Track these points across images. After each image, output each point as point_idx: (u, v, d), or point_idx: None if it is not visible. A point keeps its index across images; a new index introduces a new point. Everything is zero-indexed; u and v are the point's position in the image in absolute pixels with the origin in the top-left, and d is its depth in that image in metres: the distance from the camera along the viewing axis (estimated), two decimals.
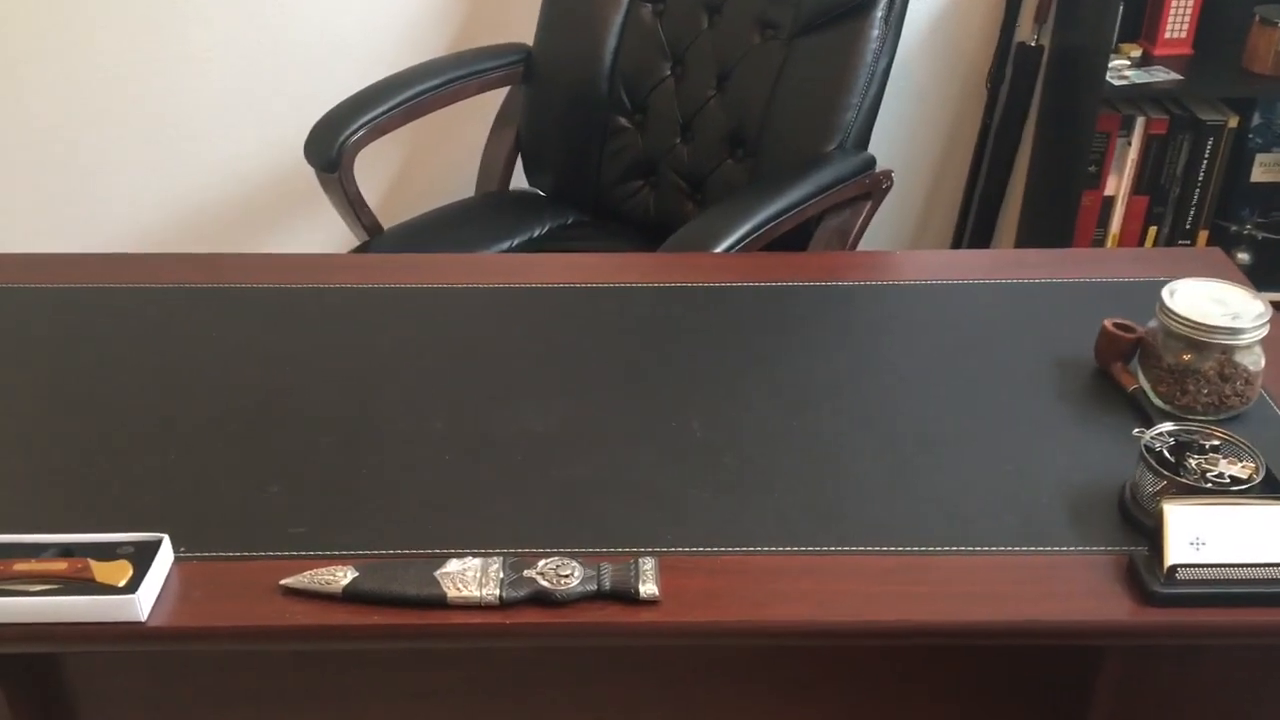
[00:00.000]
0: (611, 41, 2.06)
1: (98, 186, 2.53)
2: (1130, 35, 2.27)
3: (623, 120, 2.09)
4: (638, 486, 1.12)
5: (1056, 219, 2.32)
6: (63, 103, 2.43)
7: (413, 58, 2.17)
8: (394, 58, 2.31)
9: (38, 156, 2.50)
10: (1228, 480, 1.03)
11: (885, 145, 2.37)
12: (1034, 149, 2.42)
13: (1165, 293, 1.21)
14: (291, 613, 0.98)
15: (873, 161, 1.84)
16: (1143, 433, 1.08)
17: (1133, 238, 2.34)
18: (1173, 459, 1.05)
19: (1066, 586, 1.00)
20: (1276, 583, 0.97)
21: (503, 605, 0.98)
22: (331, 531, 1.07)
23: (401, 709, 1.15)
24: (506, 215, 2.12)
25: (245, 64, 2.40)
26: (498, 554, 1.02)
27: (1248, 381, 1.18)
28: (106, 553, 1.00)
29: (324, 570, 1.00)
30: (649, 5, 2.05)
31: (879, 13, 1.83)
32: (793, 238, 1.81)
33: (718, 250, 1.59)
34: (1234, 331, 1.16)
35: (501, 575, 0.99)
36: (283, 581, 1.00)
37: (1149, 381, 1.22)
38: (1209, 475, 1.04)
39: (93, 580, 0.98)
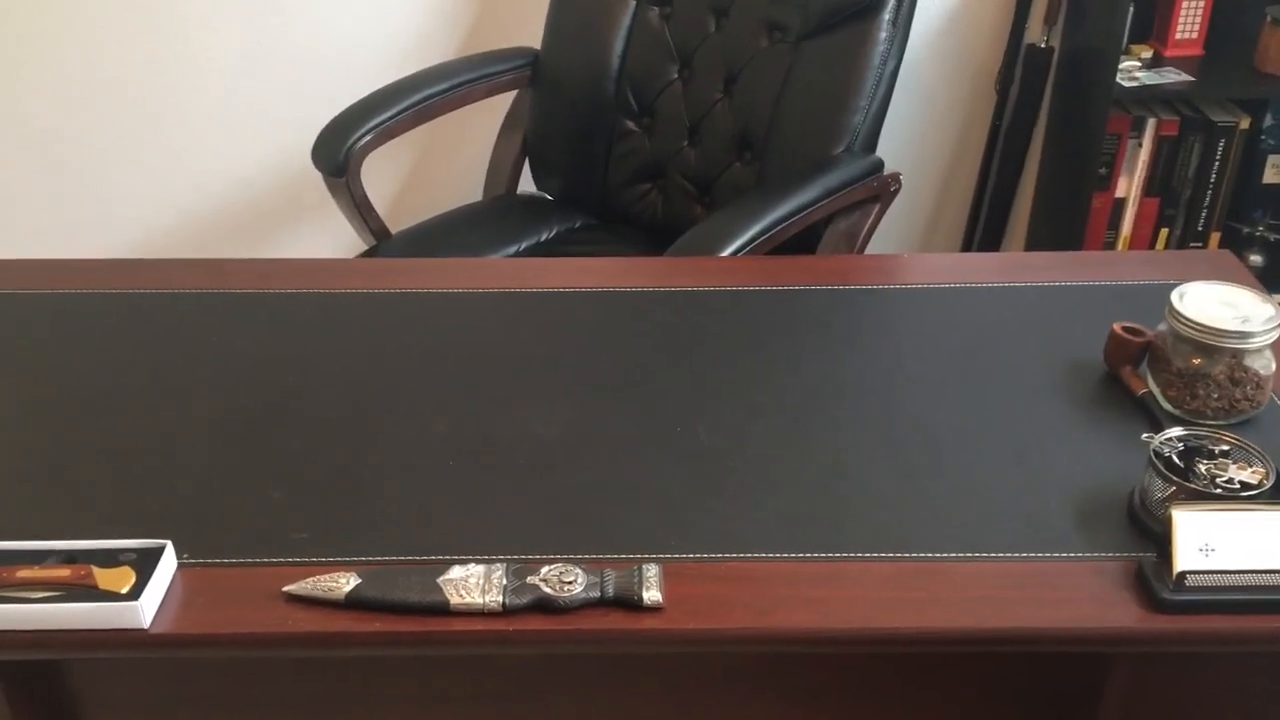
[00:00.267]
0: (619, 45, 2.06)
1: (105, 191, 2.54)
2: (1141, 36, 2.26)
3: (630, 123, 2.08)
4: (642, 492, 1.11)
5: (1067, 221, 2.31)
6: (69, 107, 2.44)
7: (420, 62, 2.17)
8: (402, 62, 2.31)
9: (45, 162, 2.50)
10: (1237, 486, 1.02)
11: (895, 148, 2.36)
12: (1044, 151, 2.41)
13: (1174, 296, 1.20)
14: (294, 620, 0.98)
15: (881, 164, 1.83)
16: (1151, 438, 1.07)
17: (1144, 240, 2.32)
18: (1182, 464, 1.04)
19: (1074, 593, 0.99)
20: None
21: (505, 612, 0.97)
22: (335, 537, 1.06)
23: (405, 715, 1.15)
24: (514, 219, 2.12)
25: (253, 69, 2.40)
26: (501, 560, 1.01)
27: (1258, 386, 1.17)
28: (109, 560, 1.00)
29: (326, 577, 1.00)
30: (656, 8, 2.04)
31: (886, 15, 1.83)
32: (801, 240, 1.80)
33: (725, 254, 1.58)
34: (1244, 335, 1.15)
35: (504, 582, 0.98)
36: (285, 588, 0.99)
37: (1158, 386, 1.21)
38: (1218, 480, 1.03)
39: (95, 587, 0.98)
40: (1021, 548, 1.04)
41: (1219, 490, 1.02)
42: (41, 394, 1.27)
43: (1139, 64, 2.20)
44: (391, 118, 1.97)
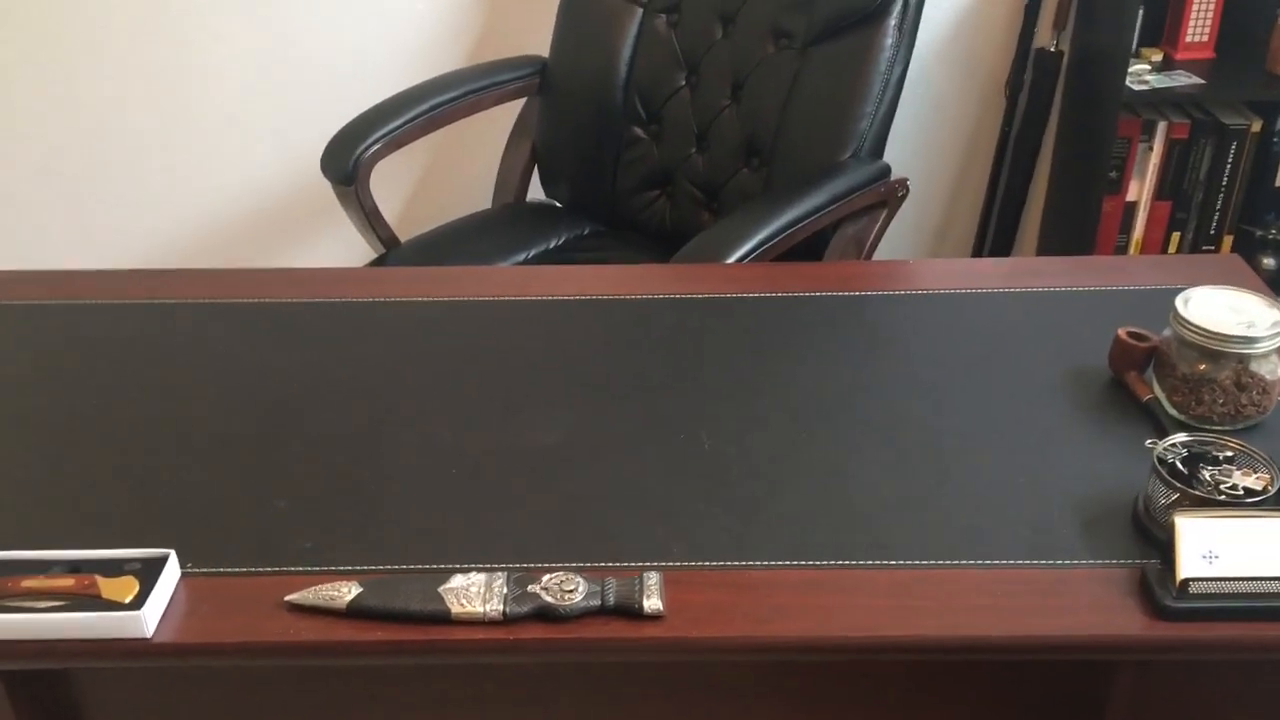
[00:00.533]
0: (626, 52, 2.06)
1: (115, 202, 2.55)
2: (1151, 39, 2.25)
3: (638, 131, 2.09)
4: (645, 500, 1.11)
5: (1078, 226, 2.30)
6: (79, 118, 2.46)
7: (429, 70, 2.18)
8: (411, 71, 2.32)
9: (55, 172, 2.52)
10: (1242, 492, 1.01)
11: (904, 153, 2.37)
12: (1054, 155, 2.40)
13: (1179, 301, 1.19)
14: (296, 628, 0.98)
15: (888, 170, 1.83)
16: (1155, 443, 1.06)
17: (1156, 244, 2.31)
18: (1186, 470, 1.04)
19: (1076, 600, 0.98)
20: None
21: (506, 621, 0.97)
22: (338, 546, 1.07)
23: None
24: (523, 226, 2.13)
25: (263, 79, 2.42)
26: (502, 569, 1.01)
27: (1264, 391, 1.17)
28: (113, 569, 1.01)
29: (329, 586, 1.00)
30: (663, 16, 2.05)
31: (892, 20, 1.82)
32: (808, 247, 1.80)
33: (730, 260, 1.58)
34: (1249, 340, 1.14)
35: (505, 590, 0.99)
36: (288, 597, 0.99)
37: (1164, 391, 1.20)
38: (1222, 487, 1.02)
39: (99, 596, 0.98)
40: (1025, 555, 1.04)
41: (1223, 497, 1.01)
42: (47, 404, 1.27)
43: (1149, 67, 2.20)
44: (400, 127, 1.98)
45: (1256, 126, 2.19)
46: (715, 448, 1.18)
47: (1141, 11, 2.16)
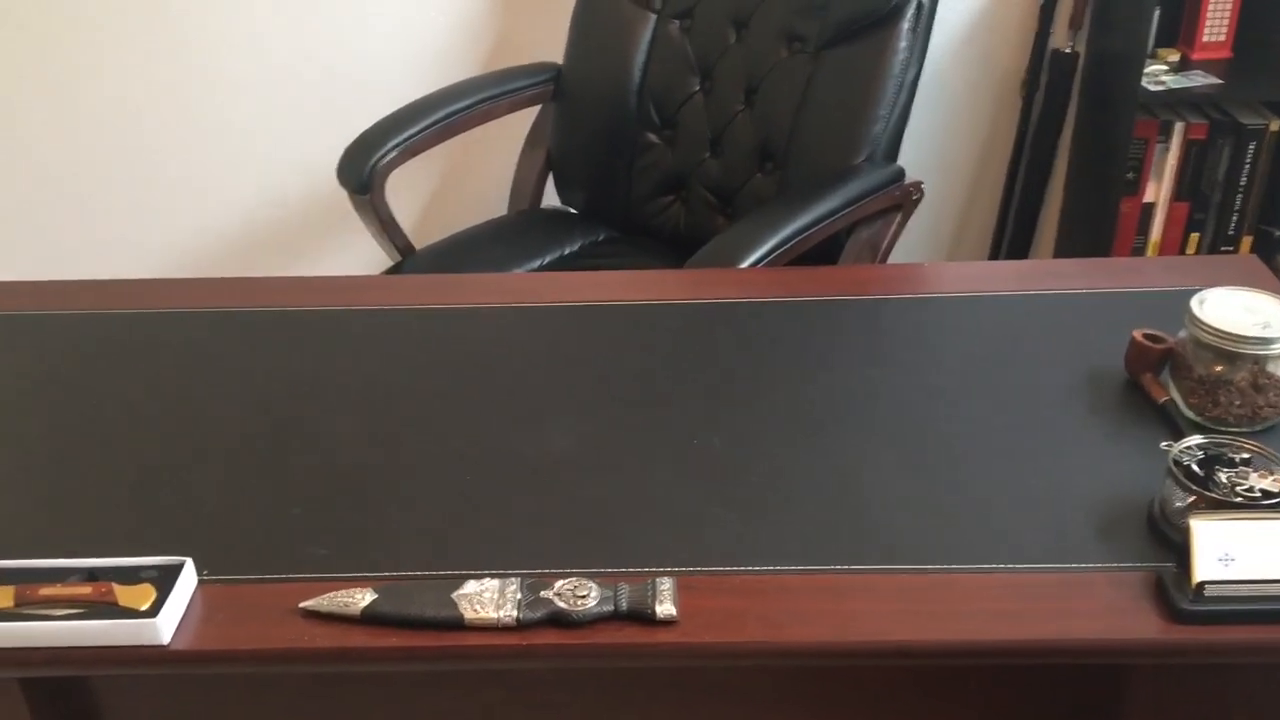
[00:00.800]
0: (640, 58, 2.07)
1: (133, 211, 2.58)
2: (1168, 40, 2.24)
3: (652, 136, 2.09)
4: (658, 506, 1.11)
5: (1095, 228, 2.29)
6: (97, 129, 2.48)
7: (445, 79, 2.19)
8: (426, 79, 2.33)
9: (69, 183, 2.55)
10: (1258, 494, 1.01)
11: (920, 155, 2.36)
12: (1071, 157, 2.39)
13: (1194, 302, 1.18)
14: (311, 635, 0.98)
15: (902, 173, 1.83)
16: (1170, 446, 1.06)
17: (1174, 245, 2.30)
18: (1201, 473, 1.03)
19: (1092, 604, 0.98)
20: None
21: (520, 626, 0.97)
22: (352, 553, 1.07)
23: None
24: (538, 233, 2.13)
25: (279, 88, 2.43)
26: (515, 575, 1.02)
27: None
28: (130, 577, 1.01)
29: (343, 592, 1.00)
30: (676, 22, 2.05)
31: (906, 23, 1.82)
32: (823, 251, 1.80)
33: (744, 265, 1.58)
34: (1265, 341, 1.13)
35: (519, 596, 0.99)
36: (302, 604, 1.00)
37: (1180, 393, 1.20)
38: (1239, 489, 1.01)
39: (116, 604, 0.99)
40: (1040, 559, 1.03)
41: (1239, 499, 1.00)
42: (65, 414, 1.29)
43: (1166, 68, 2.18)
44: (415, 134, 1.99)
45: (1275, 126, 2.18)
46: (728, 453, 1.18)
47: (1158, 12, 2.15)
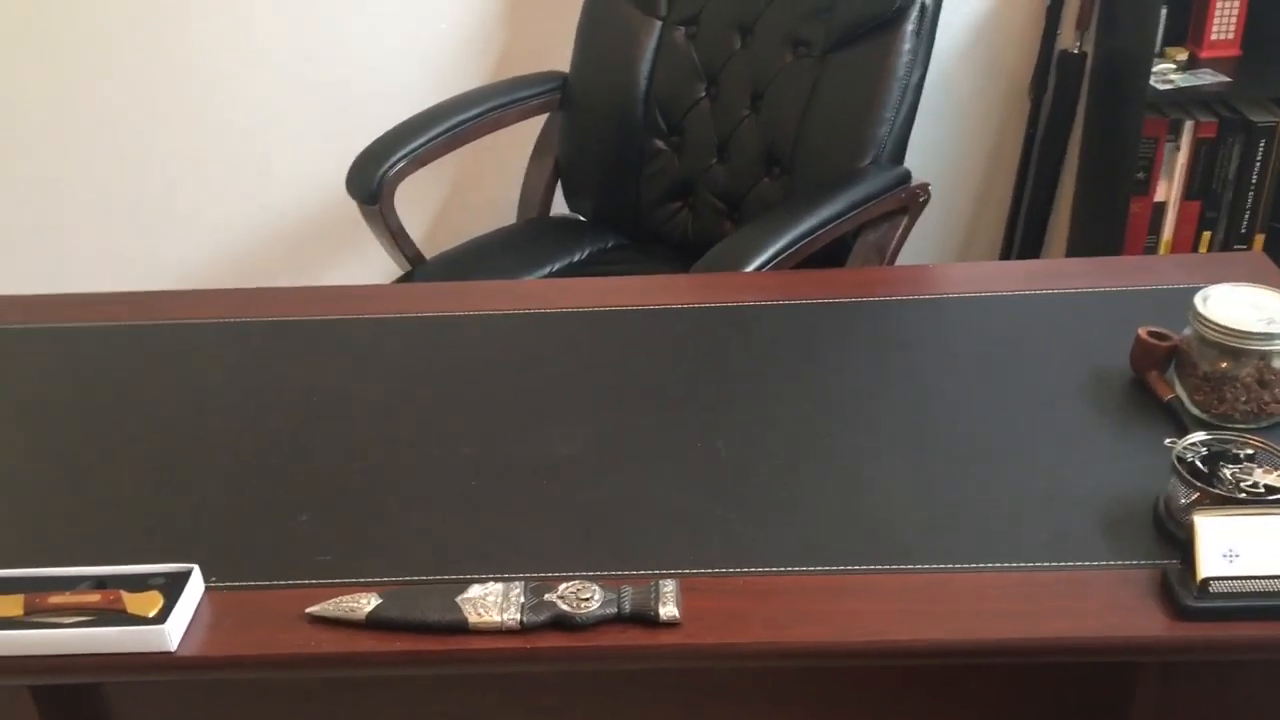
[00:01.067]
0: (646, 66, 2.07)
1: (142, 224, 2.60)
2: (1176, 39, 2.24)
3: (659, 143, 2.10)
4: (662, 509, 1.12)
5: (1106, 228, 2.28)
6: (103, 141, 2.50)
7: (453, 89, 2.20)
8: (435, 89, 2.34)
9: (79, 196, 2.57)
10: (1262, 490, 1.00)
11: (929, 158, 2.36)
12: (1081, 157, 2.39)
13: (1198, 299, 1.18)
14: (317, 640, 0.99)
15: (908, 175, 1.83)
16: (1174, 443, 1.05)
17: (1186, 244, 2.29)
18: (1205, 469, 1.03)
19: (1096, 602, 0.98)
20: None
21: (523, 630, 0.98)
22: (358, 558, 1.08)
23: None
24: (547, 241, 2.14)
25: (288, 99, 2.45)
26: (520, 578, 1.02)
27: None
28: (139, 584, 1.02)
29: (348, 597, 1.01)
30: (682, 28, 2.06)
31: (909, 26, 1.82)
32: (830, 254, 1.80)
33: (749, 269, 1.59)
34: (1270, 337, 1.13)
35: (522, 600, 0.99)
36: (308, 609, 1.01)
37: (1186, 390, 1.19)
38: (1243, 485, 1.01)
39: (125, 611, 1.00)
40: (1045, 557, 1.03)
41: (1244, 495, 1.00)
42: (74, 425, 1.30)
43: (1174, 66, 2.18)
44: (423, 145, 2.00)
45: None
46: (732, 456, 1.18)
47: (1166, 11, 2.15)
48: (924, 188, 1.84)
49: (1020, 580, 1.01)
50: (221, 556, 1.08)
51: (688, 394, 1.29)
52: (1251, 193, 2.22)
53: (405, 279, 2.03)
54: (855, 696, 1.11)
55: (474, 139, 2.10)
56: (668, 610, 0.98)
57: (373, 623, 0.99)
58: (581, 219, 2.23)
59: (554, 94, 2.17)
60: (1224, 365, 1.15)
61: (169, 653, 0.98)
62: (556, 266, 2.06)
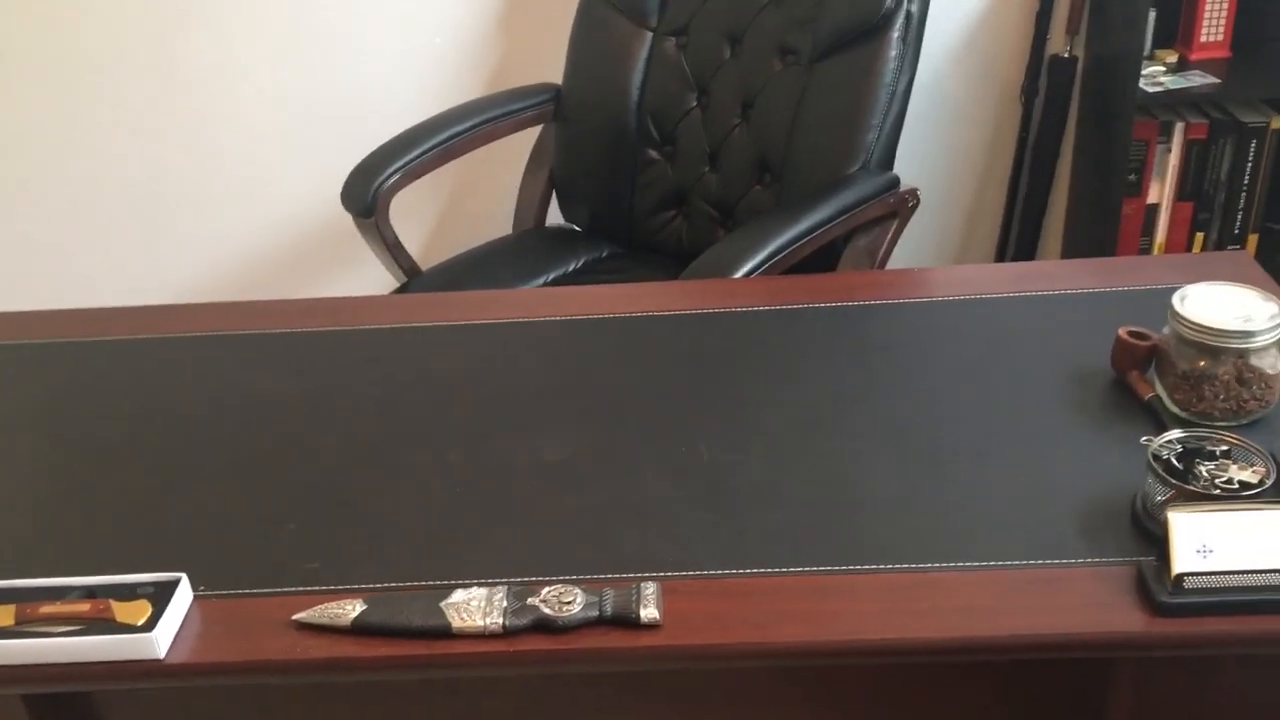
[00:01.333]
0: (637, 77, 2.09)
1: (140, 239, 2.62)
2: (1166, 41, 2.24)
3: (652, 153, 2.11)
4: (645, 513, 1.13)
5: (1100, 230, 2.29)
6: (102, 158, 2.52)
7: (448, 101, 2.22)
8: (430, 102, 2.36)
9: (80, 212, 2.59)
10: (1237, 486, 1.01)
11: (922, 163, 2.37)
12: (1074, 160, 2.40)
13: (1176, 299, 1.19)
14: (303, 646, 1.00)
15: (896, 180, 1.84)
16: (1150, 440, 1.06)
17: (1179, 246, 2.30)
18: (1181, 466, 1.03)
19: (1073, 599, 0.98)
20: None
21: (506, 633, 0.99)
22: (345, 565, 1.09)
23: None
24: (542, 251, 2.15)
25: (285, 114, 2.47)
26: (503, 583, 1.03)
27: (1266, 385, 1.16)
28: (127, 593, 1.04)
29: (334, 604, 1.02)
30: (672, 39, 2.07)
31: (895, 33, 1.84)
32: (820, 259, 1.81)
33: (737, 275, 1.60)
34: (1247, 335, 1.14)
35: (505, 604, 1.00)
36: (295, 616, 1.02)
37: (1165, 389, 1.20)
38: (1218, 481, 1.02)
39: (114, 620, 1.01)
40: (1023, 555, 1.04)
41: (1218, 491, 1.01)
42: (65, 438, 1.32)
43: (1164, 69, 2.19)
44: (417, 157, 2.02)
45: (1276, 124, 2.17)
46: (715, 459, 1.19)
47: (1155, 14, 2.16)
48: (913, 192, 1.85)
49: (999, 578, 1.02)
50: (210, 566, 1.09)
51: (674, 399, 1.30)
52: (1244, 193, 2.23)
53: (402, 291, 2.04)
54: (837, 695, 1.12)
55: (468, 151, 2.11)
56: (648, 612, 0.99)
57: (358, 628, 1.00)
58: (577, 229, 2.25)
59: (547, 106, 2.19)
60: (1202, 364, 1.16)
61: (157, 660, 1.00)
62: (552, 276, 2.07)
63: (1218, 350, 1.15)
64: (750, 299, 1.48)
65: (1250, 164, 2.20)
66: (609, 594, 1.01)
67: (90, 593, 1.04)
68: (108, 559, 1.12)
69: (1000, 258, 2.49)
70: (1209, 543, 0.96)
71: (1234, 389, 1.16)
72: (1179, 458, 1.04)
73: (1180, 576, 0.95)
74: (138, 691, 1.12)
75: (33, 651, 1.00)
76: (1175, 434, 1.07)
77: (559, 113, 2.19)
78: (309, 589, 1.06)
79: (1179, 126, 2.19)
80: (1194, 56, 2.21)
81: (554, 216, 2.28)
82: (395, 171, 1.99)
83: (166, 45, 2.41)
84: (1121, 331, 1.25)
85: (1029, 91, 2.34)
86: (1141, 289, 1.44)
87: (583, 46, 2.15)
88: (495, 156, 2.27)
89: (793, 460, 1.19)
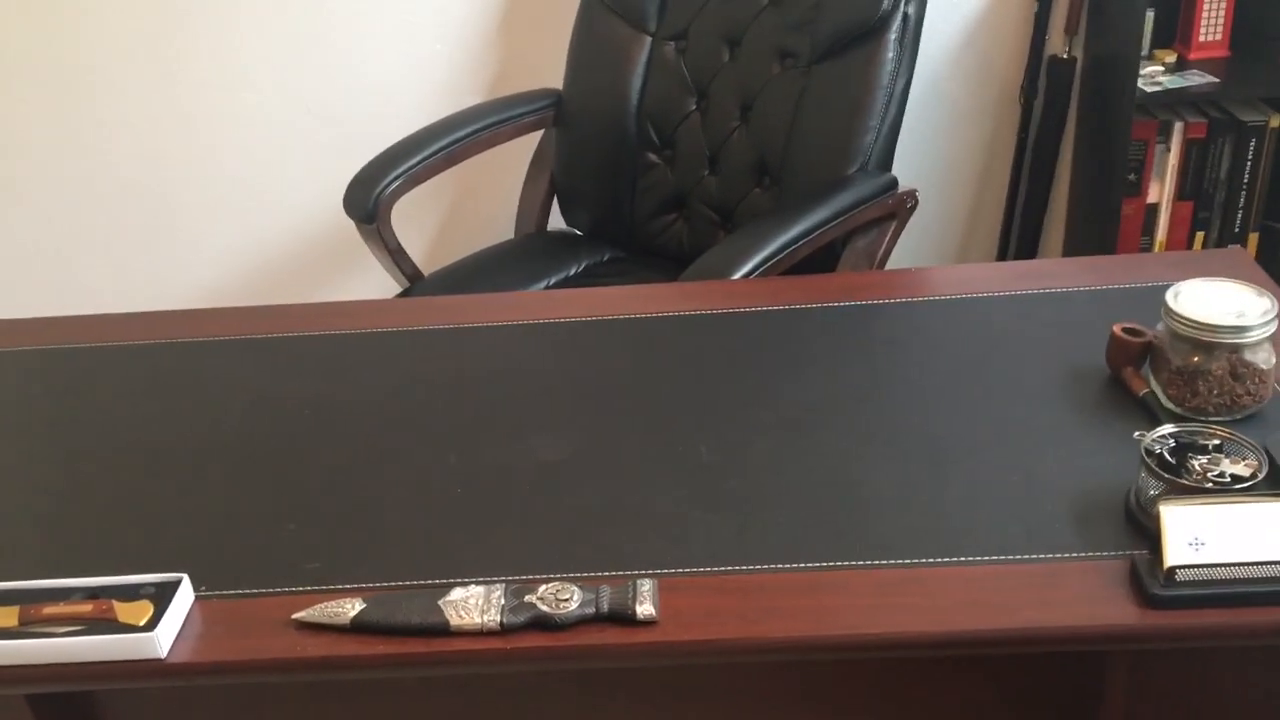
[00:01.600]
0: (637, 81, 2.10)
1: (145, 245, 2.64)
2: (1165, 41, 2.25)
3: (652, 156, 2.12)
4: (642, 511, 1.14)
5: (1100, 230, 2.29)
6: (108, 164, 2.54)
7: (449, 107, 2.23)
8: (431, 108, 2.38)
9: (85, 219, 2.61)
10: (1229, 479, 1.01)
11: (922, 165, 2.38)
12: (1074, 161, 2.40)
13: (1169, 295, 1.19)
14: (303, 645, 1.01)
15: (894, 182, 1.85)
16: (1143, 435, 1.07)
17: (1180, 245, 2.30)
18: (1174, 461, 1.04)
19: (1067, 593, 0.99)
20: (1278, 581, 0.95)
21: (504, 631, 1.00)
22: (345, 565, 1.10)
23: None
24: (543, 255, 2.17)
25: (289, 122, 2.49)
26: (501, 581, 1.04)
27: (1260, 380, 1.16)
28: (129, 594, 1.05)
29: (334, 603, 1.03)
30: (671, 43, 2.08)
31: (892, 35, 1.85)
32: (820, 261, 1.82)
33: (737, 276, 1.61)
34: (1239, 330, 1.14)
35: (503, 601, 1.01)
36: (294, 615, 1.03)
37: (1160, 385, 1.21)
38: (1210, 475, 1.02)
39: (116, 620, 1.02)
40: (1018, 550, 1.05)
41: (1211, 485, 1.01)
42: (68, 441, 1.33)
43: (1162, 68, 2.19)
44: (419, 163, 2.03)
45: (1275, 122, 2.18)
46: (713, 458, 1.20)
47: (1154, 14, 2.16)
48: (911, 194, 1.86)
49: (993, 573, 1.03)
50: (211, 567, 1.10)
51: (673, 400, 1.31)
52: (1244, 192, 2.23)
53: (404, 296, 2.06)
54: (833, 690, 1.13)
55: (469, 157, 2.13)
56: (645, 609, 1.00)
57: (357, 627, 1.01)
58: (578, 233, 2.26)
59: (548, 111, 2.20)
60: (1196, 359, 1.17)
61: (159, 659, 1.01)
62: (553, 280, 2.09)
63: (1211, 346, 1.16)
64: (750, 300, 1.48)
65: (1250, 163, 2.20)
66: (605, 591, 1.02)
67: (93, 593, 1.05)
68: (110, 560, 1.13)
69: (1001, 258, 2.50)
70: (1201, 536, 0.96)
71: (1227, 384, 1.16)
72: (1172, 452, 1.05)
73: (1172, 569, 0.96)
74: (140, 691, 1.13)
75: (36, 652, 1.01)
76: (1168, 429, 1.08)
77: (560, 118, 2.20)
78: (309, 589, 1.07)
79: (1178, 126, 2.19)
80: (1192, 56, 2.22)
81: (555, 221, 2.29)
82: (397, 177, 2.00)
83: (168, 49, 2.43)
84: (1116, 328, 1.25)
85: (1028, 92, 2.34)
86: (1139, 286, 1.44)
87: (583, 52, 2.17)
88: (497, 161, 2.29)
89: (791, 459, 1.19)
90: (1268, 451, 1.05)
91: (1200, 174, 2.23)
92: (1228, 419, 1.16)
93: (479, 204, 2.56)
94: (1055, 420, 1.22)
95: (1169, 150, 2.21)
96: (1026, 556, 1.04)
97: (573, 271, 2.12)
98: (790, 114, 1.93)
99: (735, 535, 1.10)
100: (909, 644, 0.98)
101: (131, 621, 1.02)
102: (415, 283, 2.07)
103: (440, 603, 1.02)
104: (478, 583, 1.04)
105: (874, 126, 1.84)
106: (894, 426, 1.23)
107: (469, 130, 2.12)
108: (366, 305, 1.61)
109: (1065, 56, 2.30)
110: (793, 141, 1.93)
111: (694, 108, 2.08)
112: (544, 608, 1.01)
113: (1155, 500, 1.02)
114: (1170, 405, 1.19)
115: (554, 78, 2.22)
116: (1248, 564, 0.95)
